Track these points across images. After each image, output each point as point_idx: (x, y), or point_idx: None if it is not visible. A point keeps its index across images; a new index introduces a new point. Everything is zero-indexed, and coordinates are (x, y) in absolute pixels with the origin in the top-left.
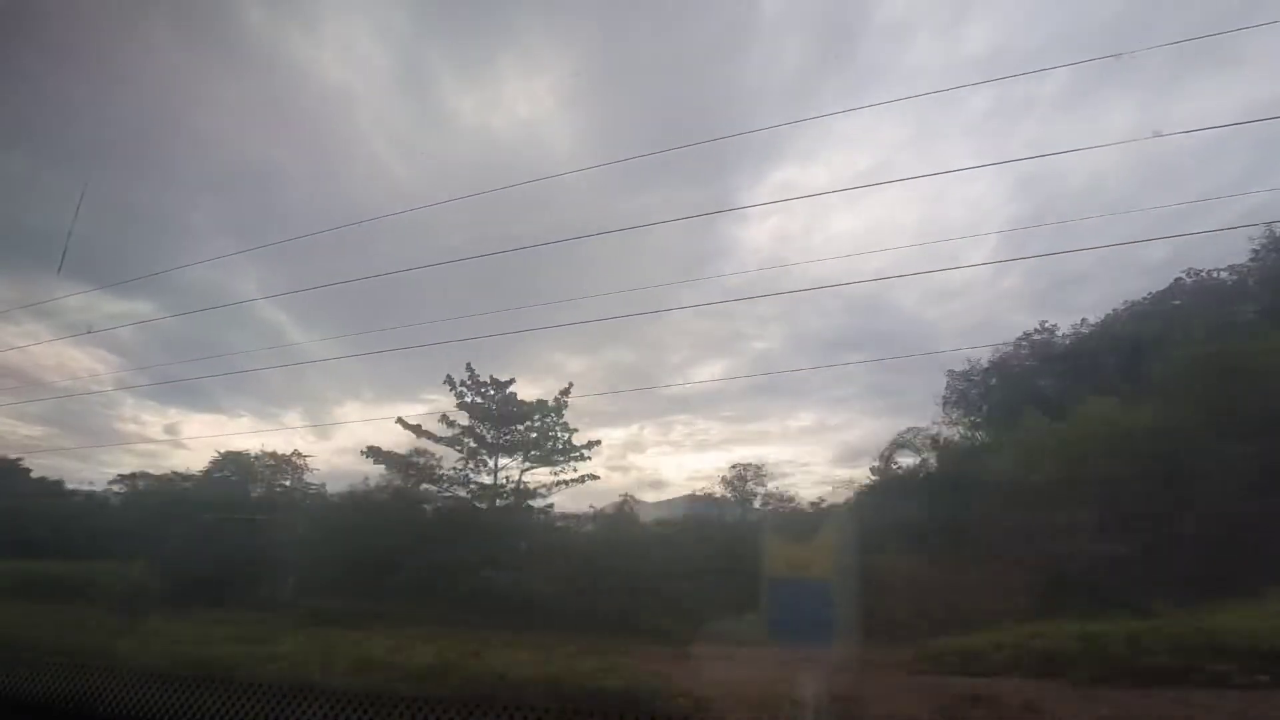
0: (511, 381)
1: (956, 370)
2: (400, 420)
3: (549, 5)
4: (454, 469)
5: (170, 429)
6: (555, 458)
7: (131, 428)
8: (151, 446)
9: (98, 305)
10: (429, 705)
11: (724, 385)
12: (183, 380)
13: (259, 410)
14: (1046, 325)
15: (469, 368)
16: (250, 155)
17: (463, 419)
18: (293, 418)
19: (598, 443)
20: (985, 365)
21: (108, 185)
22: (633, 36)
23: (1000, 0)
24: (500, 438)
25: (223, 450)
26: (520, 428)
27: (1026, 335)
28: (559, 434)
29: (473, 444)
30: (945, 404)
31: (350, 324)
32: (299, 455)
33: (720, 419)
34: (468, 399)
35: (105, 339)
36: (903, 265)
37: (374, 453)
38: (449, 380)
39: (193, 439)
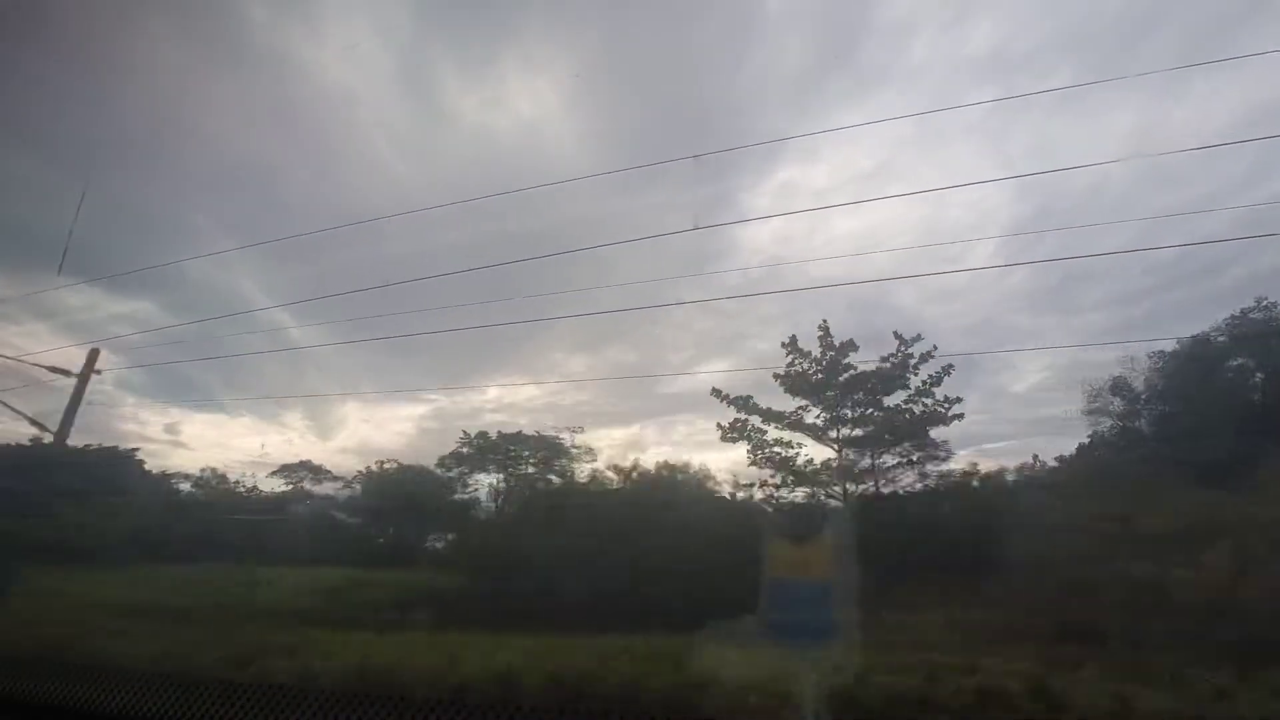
0: (917, 339)
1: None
2: (717, 392)
3: (551, 4)
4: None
5: (170, 428)
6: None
7: (131, 427)
8: (153, 446)
9: (99, 305)
10: (429, 705)
11: (726, 385)
12: (176, 364)
13: (259, 409)
14: (1264, 302)
15: (823, 326)
16: (253, 154)
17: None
18: (293, 417)
19: (960, 416)
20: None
21: (110, 184)
22: (635, 35)
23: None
24: (855, 414)
25: (472, 431)
26: (855, 396)
27: (1243, 312)
28: (928, 407)
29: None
30: (1102, 393)
31: (351, 323)
32: (571, 428)
33: (722, 419)
34: (802, 367)
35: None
36: (905, 265)
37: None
38: (789, 343)
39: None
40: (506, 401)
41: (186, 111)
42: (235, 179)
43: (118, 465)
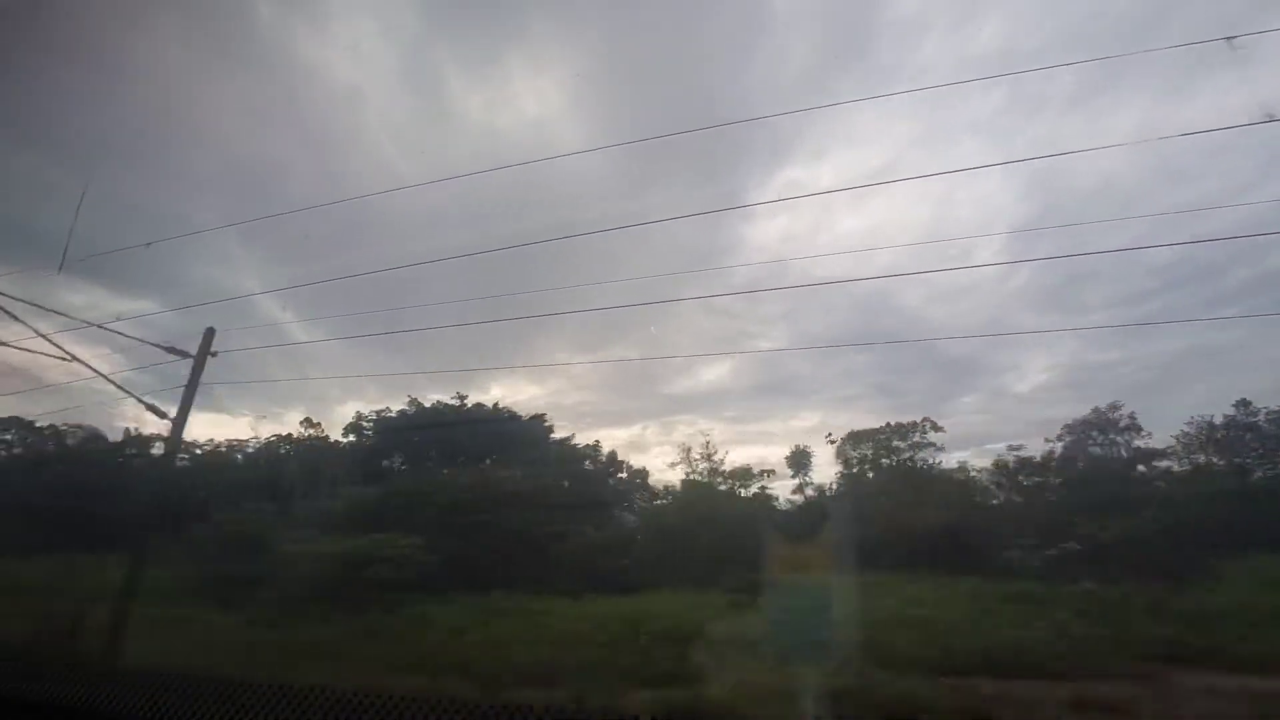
0: None
1: None
2: None
3: (557, 4)
4: None
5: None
6: None
7: (132, 426)
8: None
9: (101, 304)
10: (429, 705)
11: (727, 386)
12: (177, 364)
13: (261, 409)
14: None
15: None
16: (258, 153)
17: None
18: (294, 416)
19: None
20: None
21: (113, 182)
22: (641, 34)
23: None
24: None
25: None
26: None
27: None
28: None
29: None
30: None
31: (354, 323)
32: None
33: (723, 419)
34: None
35: (106, 337)
36: (910, 263)
37: None
38: None
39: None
40: (508, 401)
41: (191, 109)
42: (239, 176)
43: (530, 431)
